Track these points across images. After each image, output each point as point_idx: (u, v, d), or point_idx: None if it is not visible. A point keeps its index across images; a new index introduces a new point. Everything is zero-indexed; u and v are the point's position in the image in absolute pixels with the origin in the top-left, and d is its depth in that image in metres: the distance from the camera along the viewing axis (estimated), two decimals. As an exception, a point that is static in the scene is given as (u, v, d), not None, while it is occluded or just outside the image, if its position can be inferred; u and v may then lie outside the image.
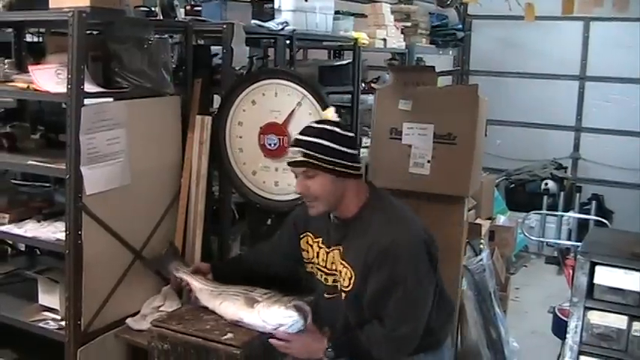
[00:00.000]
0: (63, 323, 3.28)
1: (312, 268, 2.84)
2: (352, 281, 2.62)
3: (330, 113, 2.70)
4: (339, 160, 2.57)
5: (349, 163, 2.60)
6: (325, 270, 2.77)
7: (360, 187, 2.69)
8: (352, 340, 2.61)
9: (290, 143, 2.70)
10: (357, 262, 2.60)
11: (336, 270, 2.71)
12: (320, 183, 2.58)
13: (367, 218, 2.64)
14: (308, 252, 2.85)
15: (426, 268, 2.59)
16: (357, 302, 2.64)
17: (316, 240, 2.81)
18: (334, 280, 2.73)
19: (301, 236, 2.87)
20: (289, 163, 2.66)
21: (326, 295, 2.79)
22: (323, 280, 2.79)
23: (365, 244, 2.58)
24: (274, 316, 2.75)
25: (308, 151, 2.56)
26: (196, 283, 3.06)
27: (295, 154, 2.60)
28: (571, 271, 3.89)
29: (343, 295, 2.68)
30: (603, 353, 3.30)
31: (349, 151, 2.61)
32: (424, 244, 2.60)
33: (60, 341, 3.26)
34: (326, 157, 2.56)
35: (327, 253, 2.75)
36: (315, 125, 2.66)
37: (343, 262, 2.66)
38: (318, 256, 2.80)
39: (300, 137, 2.62)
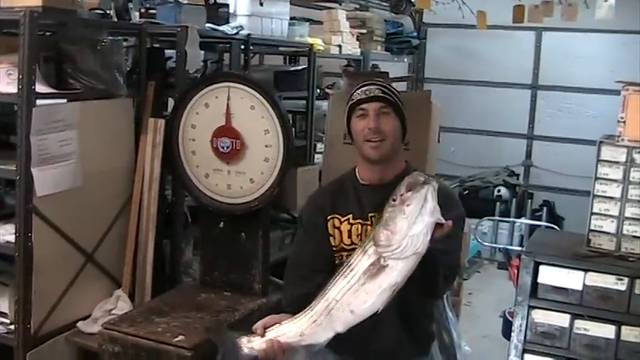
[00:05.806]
0: (12, 327, 3.25)
1: (340, 258, 2.57)
2: None
3: None
4: (404, 113, 2.59)
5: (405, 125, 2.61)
6: (355, 247, 2.45)
7: (403, 157, 2.69)
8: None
9: (362, 84, 2.63)
10: None
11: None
12: (392, 122, 2.55)
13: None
14: (335, 237, 2.61)
15: None
16: None
17: (345, 218, 2.62)
18: None
19: (328, 219, 2.63)
20: (367, 99, 2.57)
21: None
22: None
23: None
24: None
25: (385, 89, 2.57)
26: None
27: (371, 91, 2.57)
28: (516, 271, 3.96)
29: None
30: (546, 351, 3.39)
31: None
32: None
33: (9, 345, 3.23)
34: (399, 101, 2.58)
35: (362, 224, 2.59)
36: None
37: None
38: (349, 235, 2.60)
39: (373, 80, 2.62)
